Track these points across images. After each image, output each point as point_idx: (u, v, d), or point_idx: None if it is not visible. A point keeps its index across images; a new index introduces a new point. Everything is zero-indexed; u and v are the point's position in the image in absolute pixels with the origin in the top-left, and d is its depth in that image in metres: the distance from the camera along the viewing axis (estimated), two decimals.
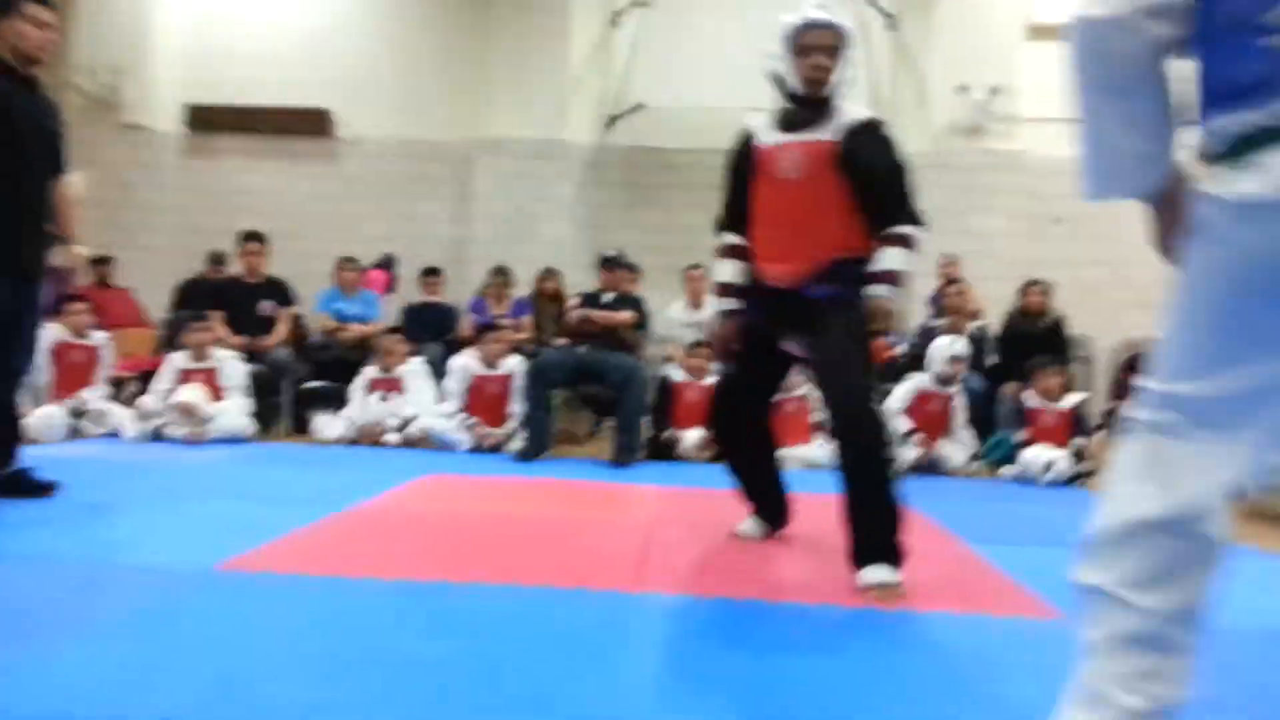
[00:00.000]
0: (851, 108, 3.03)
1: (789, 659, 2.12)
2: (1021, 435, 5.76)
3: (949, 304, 6.79)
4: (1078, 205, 9.03)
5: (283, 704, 1.72)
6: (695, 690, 1.91)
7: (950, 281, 7.08)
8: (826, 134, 2.96)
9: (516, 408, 5.80)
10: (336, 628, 2.21)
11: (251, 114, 9.44)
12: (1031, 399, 5.83)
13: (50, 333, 5.63)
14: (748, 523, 3.48)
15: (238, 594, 2.47)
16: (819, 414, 5.76)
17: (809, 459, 5.43)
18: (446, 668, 1.95)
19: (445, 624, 2.28)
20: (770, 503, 3.46)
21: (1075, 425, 5.71)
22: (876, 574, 2.71)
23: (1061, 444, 5.59)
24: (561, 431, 6.41)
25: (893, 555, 2.74)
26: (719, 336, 3.25)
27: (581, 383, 5.91)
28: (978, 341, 6.79)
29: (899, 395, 5.84)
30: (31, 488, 3.58)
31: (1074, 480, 5.48)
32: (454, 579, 2.68)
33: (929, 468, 5.67)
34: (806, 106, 3.00)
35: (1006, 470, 5.68)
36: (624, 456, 5.42)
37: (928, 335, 6.49)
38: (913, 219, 2.97)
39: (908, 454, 5.59)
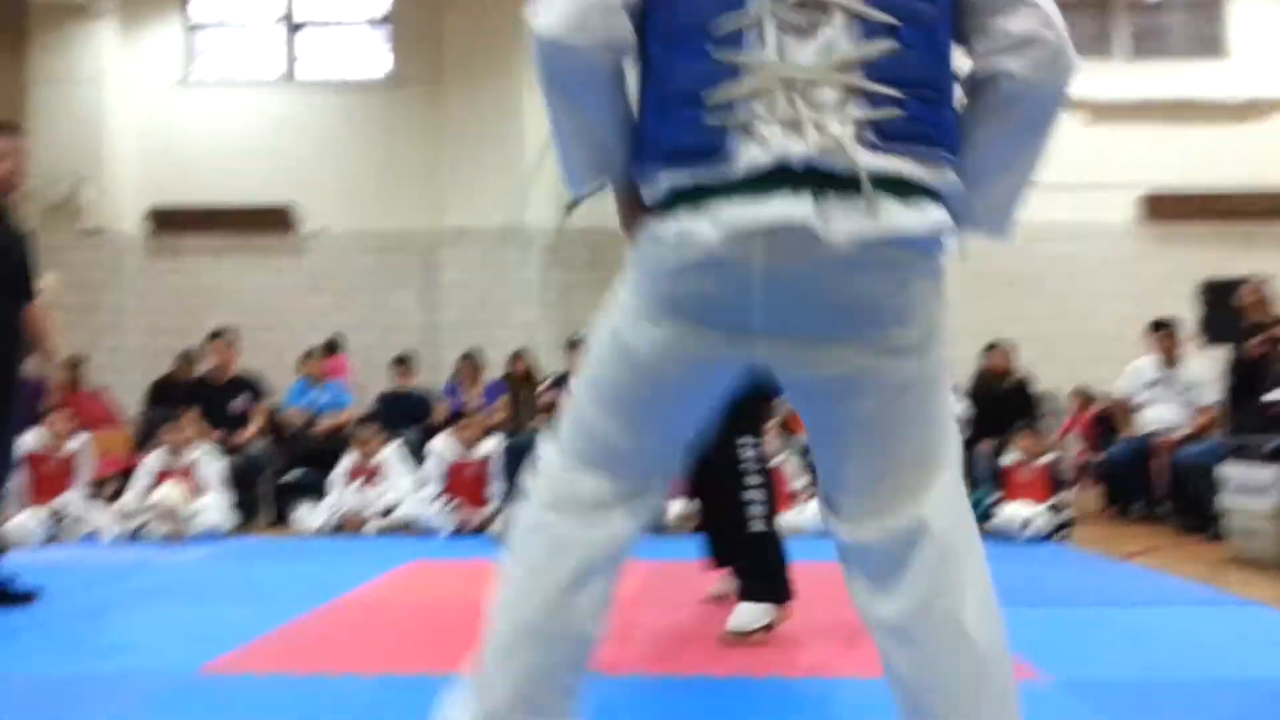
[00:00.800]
0: None
1: None
2: (997, 495, 5.84)
3: None
4: (1030, 263, 9.35)
5: None
6: None
7: None
8: None
9: (497, 488, 5.82)
10: None
11: (214, 214, 9.56)
12: (1008, 457, 5.93)
13: (27, 440, 5.61)
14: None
15: (222, 699, 2.44)
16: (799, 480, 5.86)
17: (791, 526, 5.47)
18: None
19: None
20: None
21: (1052, 480, 5.80)
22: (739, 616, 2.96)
23: (1039, 500, 5.68)
24: None
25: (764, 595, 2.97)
26: None
27: None
28: None
29: None
30: (11, 597, 3.54)
31: (1053, 535, 5.55)
32: (435, 669, 2.66)
33: None
34: None
35: (985, 527, 5.74)
36: None
37: None
38: None
39: None
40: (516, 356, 7.51)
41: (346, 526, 5.87)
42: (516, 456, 5.66)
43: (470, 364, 7.43)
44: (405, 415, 7.15)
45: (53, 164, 9.31)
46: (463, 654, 2.77)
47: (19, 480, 5.50)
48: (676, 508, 5.67)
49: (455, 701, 1.55)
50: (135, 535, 5.53)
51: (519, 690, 1.44)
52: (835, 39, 1.28)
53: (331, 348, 8.04)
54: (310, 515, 6.04)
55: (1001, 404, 6.71)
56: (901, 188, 1.28)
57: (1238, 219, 9.23)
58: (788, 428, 6.13)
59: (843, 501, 1.46)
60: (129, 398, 8.12)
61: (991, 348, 7.02)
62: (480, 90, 9.33)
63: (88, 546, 5.38)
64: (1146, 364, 6.50)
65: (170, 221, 9.64)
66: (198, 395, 6.65)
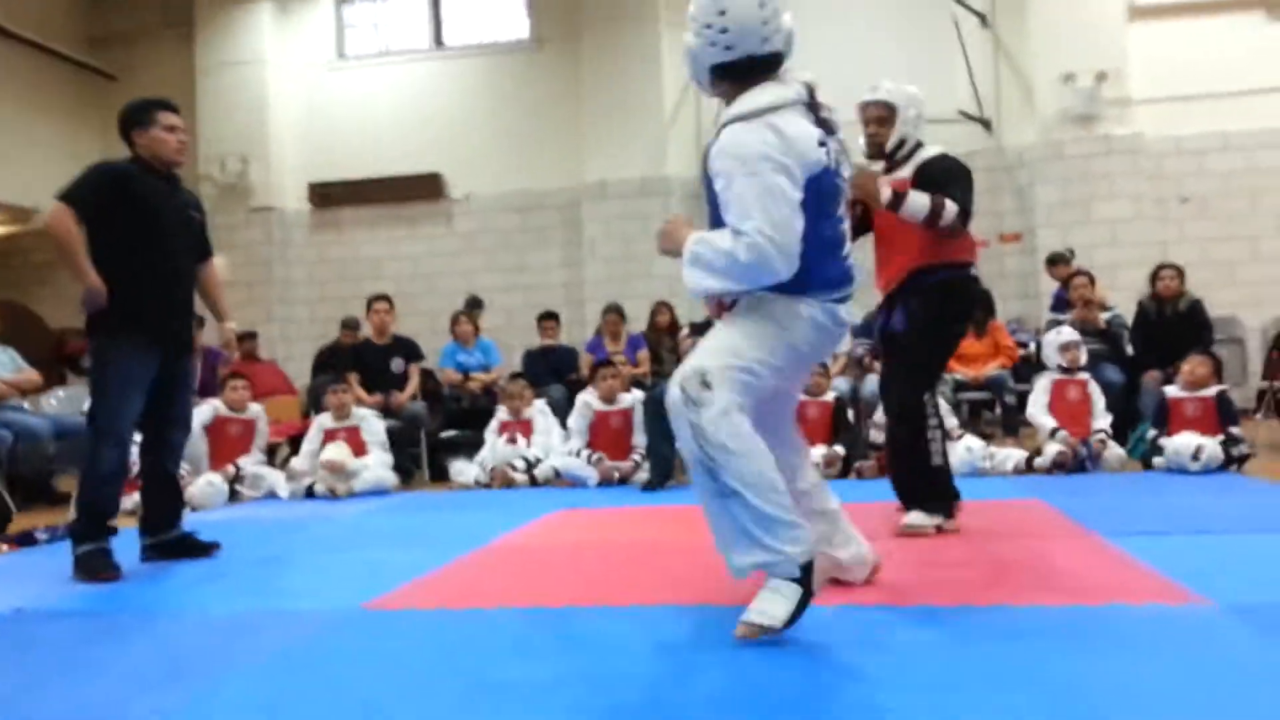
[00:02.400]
0: (928, 149, 3.79)
1: (895, 657, 2.11)
2: (1158, 429, 5.52)
3: (1075, 296, 6.57)
4: (1204, 182, 8.76)
5: None
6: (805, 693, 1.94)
7: (1073, 275, 6.84)
8: (905, 171, 3.75)
9: (640, 440, 5.90)
10: (472, 656, 2.31)
11: (368, 185, 9.98)
12: (1174, 389, 5.58)
13: (208, 409, 6.08)
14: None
15: (381, 630, 2.61)
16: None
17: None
18: (569, 685, 2.03)
19: (571, 645, 2.36)
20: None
21: (1221, 412, 5.43)
22: (913, 517, 3.67)
23: (1208, 432, 5.32)
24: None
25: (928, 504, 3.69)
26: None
27: None
28: (1114, 333, 6.56)
29: (1038, 392, 5.76)
30: (195, 548, 3.85)
31: (1227, 466, 5.21)
32: (581, 603, 2.76)
33: (1080, 466, 5.50)
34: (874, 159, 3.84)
35: (1157, 461, 5.43)
36: None
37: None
38: (955, 201, 3.56)
39: (1052, 450, 5.48)
40: (658, 308, 7.55)
41: (498, 480, 6.09)
42: (658, 408, 5.72)
43: (613, 317, 7.52)
44: (551, 371, 7.33)
45: (222, 147, 9.95)
46: (605, 589, 2.90)
47: (202, 446, 5.97)
48: (816, 455, 5.65)
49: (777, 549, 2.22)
50: (308, 493, 5.91)
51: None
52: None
53: (472, 305, 8.29)
54: (465, 470, 6.30)
55: (1172, 329, 6.29)
56: None
57: None
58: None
59: None
60: (300, 366, 8.65)
61: (1160, 270, 6.57)
62: (617, 45, 9.35)
63: (264, 505, 5.79)
64: None
65: (329, 196, 10.13)
66: (360, 360, 7.01)
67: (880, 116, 3.78)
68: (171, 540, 3.84)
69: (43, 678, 2.30)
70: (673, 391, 2.32)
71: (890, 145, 3.79)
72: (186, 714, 1.96)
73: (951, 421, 5.68)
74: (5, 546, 4.35)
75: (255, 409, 6.33)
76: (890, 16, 8.88)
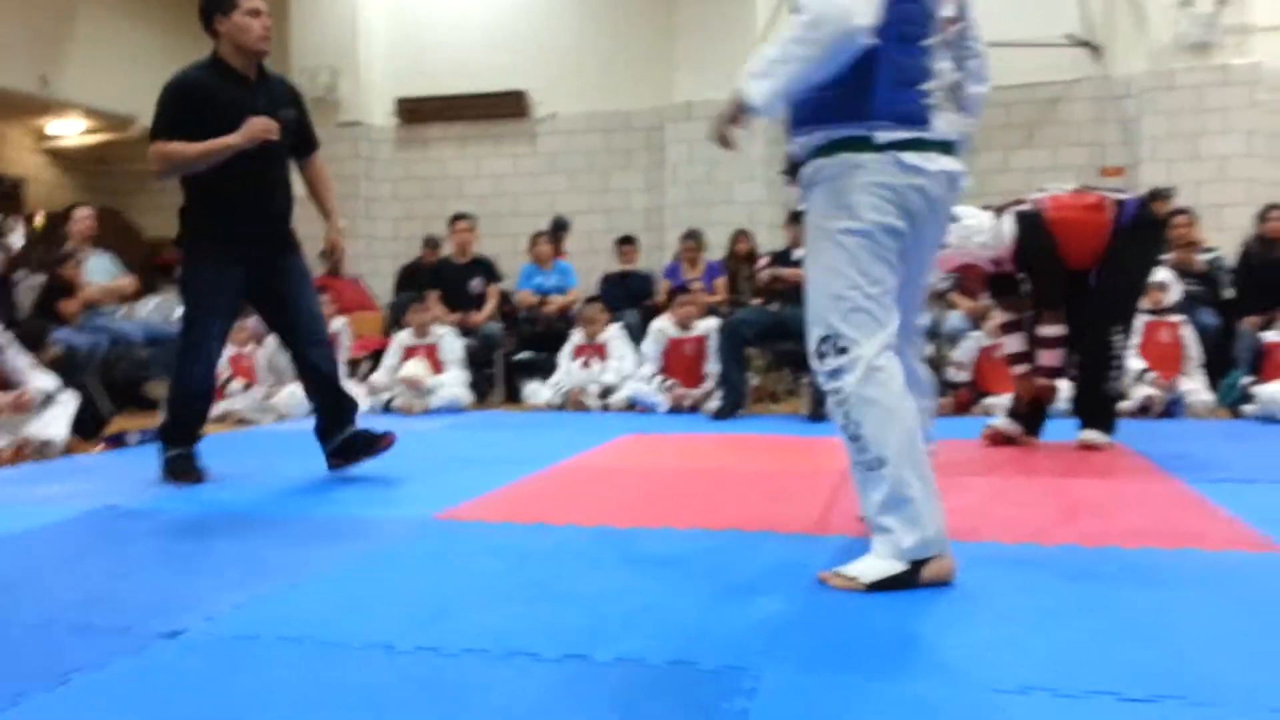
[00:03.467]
0: None
1: (958, 592, 2.10)
2: (1252, 375, 5.31)
3: (1174, 235, 6.29)
4: None
5: (485, 629, 1.89)
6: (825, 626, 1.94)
7: (1174, 214, 6.54)
8: None
9: (713, 368, 5.90)
10: (538, 566, 2.38)
11: (454, 102, 9.96)
12: (1273, 334, 5.34)
13: None
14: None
15: (453, 538, 2.70)
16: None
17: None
18: (629, 598, 2.07)
19: (634, 563, 2.40)
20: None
21: None
22: (1089, 434, 4.15)
23: None
24: (759, 389, 6.45)
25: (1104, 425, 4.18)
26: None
27: (776, 340, 5.93)
28: (1212, 276, 6.28)
29: None
30: (372, 442, 3.69)
31: None
32: (647, 524, 2.80)
33: (1168, 411, 5.34)
34: None
35: (1248, 409, 5.24)
36: (819, 410, 5.40)
37: None
38: None
39: (1141, 391, 5.34)
40: (738, 236, 7.47)
41: (572, 402, 6.16)
42: (732, 336, 5.70)
43: (692, 243, 7.47)
44: (628, 296, 7.34)
45: (313, 60, 10.01)
46: (671, 512, 2.93)
47: (285, 357, 6.15)
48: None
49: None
50: (386, 408, 6.07)
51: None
52: (947, 66, 2.24)
53: (558, 227, 8.27)
54: (539, 391, 6.39)
55: (1276, 274, 5.99)
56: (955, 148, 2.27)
57: None
58: None
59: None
60: (384, 284, 8.81)
61: (1270, 211, 6.23)
62: None
63: None
64: None
65: (415, 112, 10.15)
66: (440, 278, 7.11)
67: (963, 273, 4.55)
68: (347, 440, 3.70)
69: (131, 570, 2.43)
70: (814, 365, 2.21)
71: (992, 268, 4.31)
72: (266, 609, 2.06)
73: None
74: (100, 446, 4.58)
75: (338, 323, 6.48)
76: None
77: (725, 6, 9.07)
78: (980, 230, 4.10)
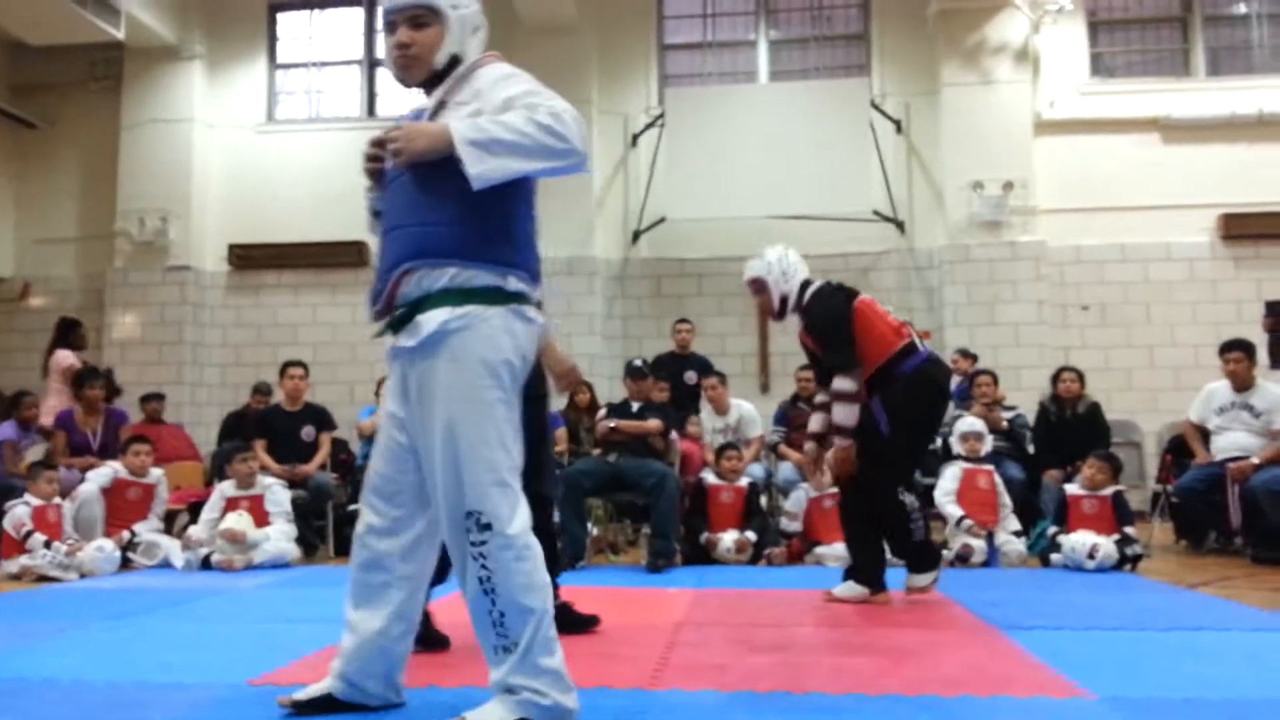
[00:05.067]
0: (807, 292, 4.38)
1: None
2: (1057, 526, 5.69)
3: (978, 393, 6.79)
4: (1104, 291, 9.13)
5: None
6: None
7: (978, 373, 7.09)
8: (799, 323, 4.44)
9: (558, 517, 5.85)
10: None
11: (290, 250, 9.88)
12: (1074, 487, 5.77)
13: (107, 471, 5.89)
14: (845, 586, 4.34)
15: (267, 708, 2.52)
16: None
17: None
18: None
19: None
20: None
21: (1117, 512, 5.62)
22: (914, 579, 4.32)
23: (1104, 531, 5.50)
24: (599, 539, 6.43)
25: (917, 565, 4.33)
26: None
27: (615, 491, 5.97)
28: (1016, 431, 6.77)
29: (946, 480, 5.91)
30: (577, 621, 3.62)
31: (1121, 566, 5.37)
32: (477, 684, 2.71)
33: (986, 560, 5.63)
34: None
35: (1055, 558, 5.58)
36: (659, 562, 5.43)
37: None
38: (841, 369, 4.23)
39: (959, 540, 5.62)
40: (577, 388, 7.56)
41: None
42: (573, 488, 5.70)
43: None
44: None
45: (142, 203, 9.77)
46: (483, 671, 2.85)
47: (97, 509, 5.76)
48: (729, 539, 5.69)
49: None
50: (204, 563, 5.70)
51: None
52: None
53: None
54: None
55: (1071, 430, 6.53)
56: None
57: None
58: None
59: None
60: (208, 432, 8.41)
61: (1062, 373, 6.85)
62: None
63: (156, 574, 5.56)
64: (1219, 388, 6.25)
65: (249, 258, 9.99)
66: (268, 426, 6.86)
67: (755, 290, 4.45)
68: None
69: None
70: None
71: (776, 308, 4.41)
72: None
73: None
74: None
75: (156, 474, 6.14)
76: (811, 120, 9.18)
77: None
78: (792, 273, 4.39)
